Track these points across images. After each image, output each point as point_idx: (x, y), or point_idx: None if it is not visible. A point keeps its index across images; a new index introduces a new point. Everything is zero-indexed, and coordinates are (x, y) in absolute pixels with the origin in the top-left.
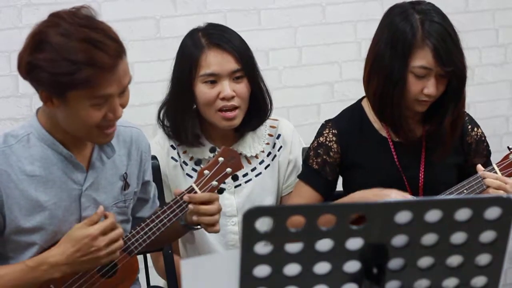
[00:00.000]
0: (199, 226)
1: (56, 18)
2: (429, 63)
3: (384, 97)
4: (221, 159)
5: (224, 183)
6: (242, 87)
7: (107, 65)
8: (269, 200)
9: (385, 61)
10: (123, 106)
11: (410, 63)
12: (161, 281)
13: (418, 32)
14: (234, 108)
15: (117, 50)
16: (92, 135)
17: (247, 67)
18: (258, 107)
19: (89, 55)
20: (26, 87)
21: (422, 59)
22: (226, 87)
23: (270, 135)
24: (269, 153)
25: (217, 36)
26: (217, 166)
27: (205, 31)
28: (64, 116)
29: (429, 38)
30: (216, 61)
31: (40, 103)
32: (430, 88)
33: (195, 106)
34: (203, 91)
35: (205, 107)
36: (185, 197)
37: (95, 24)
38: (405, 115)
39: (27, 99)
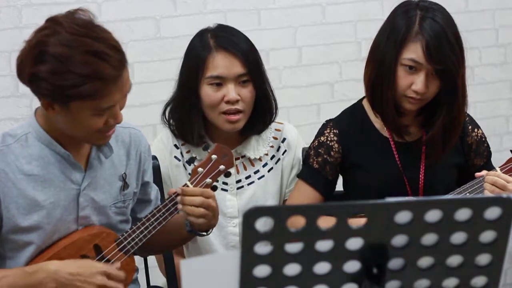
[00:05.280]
0: (205, 233)
1: (55, 25)
2: (419, 57)
3: (375, 86)
4: (214, 156)
5: (217, 181)
6: (247, 92)
7: (112, 77)
8: (271, 203)
9: (380, 49)
10: (121, 108)
11: (401, 55)
12: (161, 281)
13: (415, 26)
14: (238, 111)
15: (120, 60)
16: (92, 138)
17: (253, 72)
18: (263, 112)
19: (94, 68)
20: (26, 87)
21: (413, 52)
22: (231, 91)
23: (275, 138)
24: (273, 156)
25: (225, 39)
26: (210, 164)
27: (214, 32)
28: (65, 122)
29: (423, 33)
30: (223, 64)
31: (39, 103)
32: (418, 84)
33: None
34: (208, 93)
35: (209, 109)
36: (178, 189)
37: (96, 33)
38: (400, 112)
39: (27, 99)
